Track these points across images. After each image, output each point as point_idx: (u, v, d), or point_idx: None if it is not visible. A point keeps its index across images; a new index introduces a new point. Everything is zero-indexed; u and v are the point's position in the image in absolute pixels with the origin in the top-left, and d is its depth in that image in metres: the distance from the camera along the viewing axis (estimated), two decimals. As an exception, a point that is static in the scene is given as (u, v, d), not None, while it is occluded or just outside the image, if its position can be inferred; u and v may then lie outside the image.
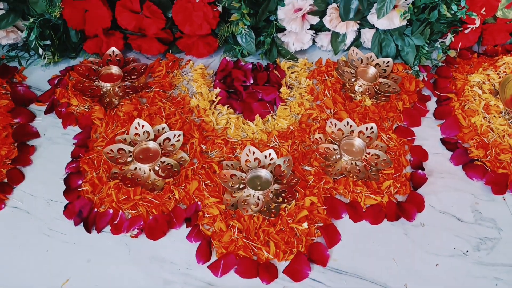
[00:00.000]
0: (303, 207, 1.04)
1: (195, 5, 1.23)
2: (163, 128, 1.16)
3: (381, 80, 1.29)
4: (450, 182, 1.13)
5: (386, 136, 1.18)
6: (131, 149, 1.10)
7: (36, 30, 1.24)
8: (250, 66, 1.36)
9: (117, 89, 1.25)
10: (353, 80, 1.28)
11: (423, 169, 1.14)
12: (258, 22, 1.34)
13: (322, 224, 1.03)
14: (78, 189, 1.06)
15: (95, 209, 1.03)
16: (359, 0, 1.27)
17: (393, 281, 0.95)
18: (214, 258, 0.98)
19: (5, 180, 1.08)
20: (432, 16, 1.25)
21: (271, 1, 1.30)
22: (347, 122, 1.19)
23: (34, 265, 0.95)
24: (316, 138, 1.17)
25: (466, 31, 1.31)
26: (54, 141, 1.18)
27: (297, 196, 1.05)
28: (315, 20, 1.34)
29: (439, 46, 1.37)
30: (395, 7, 1.26)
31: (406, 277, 0.96)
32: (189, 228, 1.02)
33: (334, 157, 1.12)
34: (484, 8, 1.26)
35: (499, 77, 1.31)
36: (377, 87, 1.28)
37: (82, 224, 1.01)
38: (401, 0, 1.25)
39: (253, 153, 1.11)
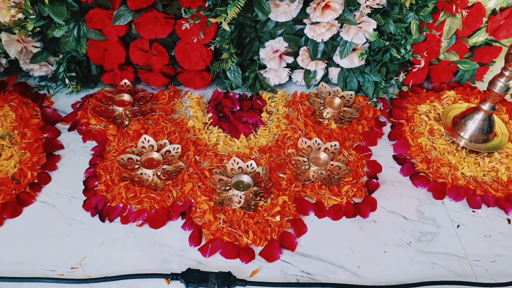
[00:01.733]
0: (276, 204, 1.12)
1: (193, 46, 1.33)
2: (165, 143, 1.26)
3: (345, 108, 1.42)
4: (399, 189, 1.24)
5: (347, 152, 1.30)
6: (138, 158, 1.19)
7: (64, 65, 1.34)
8: (237, 96, 1.46)
9: (127, 112, 1.35)
10: (321, 108, 1.42)
11: (377, 178, 1.24)
12: (244, 61, 1.43)
13: (292, 218, 1.11)
14: (95, 189, 1.14)
15: (108, 204, 1.11)
16: (324, 44, 1.39)
17: (349, 263, 1.04)
18: (203, 242, 1.06)
19: (36, 181, 1.16)
20: (385, 58, 1.40)
21: (254, 43, 1.40)
22: (316, 141, 1.30)
23: (58, 246, 1.03)
24: (289, 152, 1.28)
25: (414, 70, 1.47)
26: (75, 152, 1.26)
27: (272, 195, 1.14)
28: (290, 59, 1.44)
29: (394, 82, 1.51)
30: (354, 49, 1.42)
31: (360, 261, 1.05)
32: (184, 220, 1.10)
33: (303, 167, 1.24)
34: (426, 51, 1.42)
35: (443, 107, 1.46)
36: (342, 114, 1.41)
37: (97, 215, 1.09)
38: (360, 43, 1.40)
39: (238, 163, 1.20)
